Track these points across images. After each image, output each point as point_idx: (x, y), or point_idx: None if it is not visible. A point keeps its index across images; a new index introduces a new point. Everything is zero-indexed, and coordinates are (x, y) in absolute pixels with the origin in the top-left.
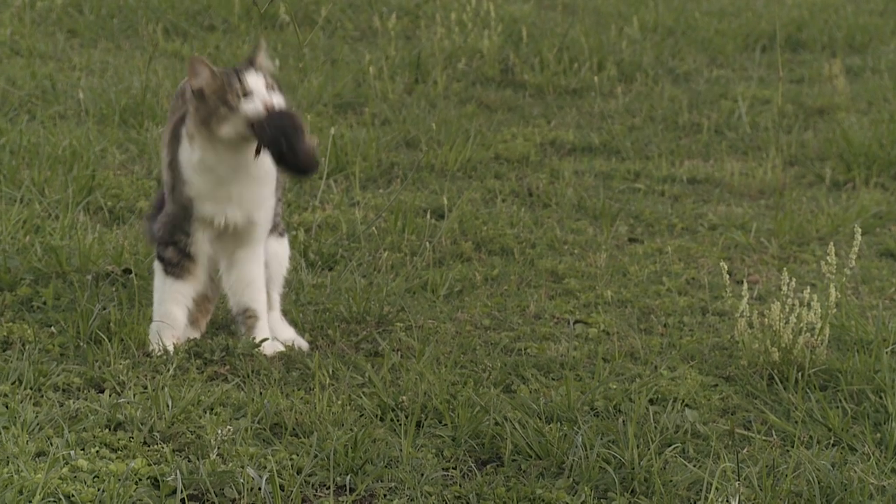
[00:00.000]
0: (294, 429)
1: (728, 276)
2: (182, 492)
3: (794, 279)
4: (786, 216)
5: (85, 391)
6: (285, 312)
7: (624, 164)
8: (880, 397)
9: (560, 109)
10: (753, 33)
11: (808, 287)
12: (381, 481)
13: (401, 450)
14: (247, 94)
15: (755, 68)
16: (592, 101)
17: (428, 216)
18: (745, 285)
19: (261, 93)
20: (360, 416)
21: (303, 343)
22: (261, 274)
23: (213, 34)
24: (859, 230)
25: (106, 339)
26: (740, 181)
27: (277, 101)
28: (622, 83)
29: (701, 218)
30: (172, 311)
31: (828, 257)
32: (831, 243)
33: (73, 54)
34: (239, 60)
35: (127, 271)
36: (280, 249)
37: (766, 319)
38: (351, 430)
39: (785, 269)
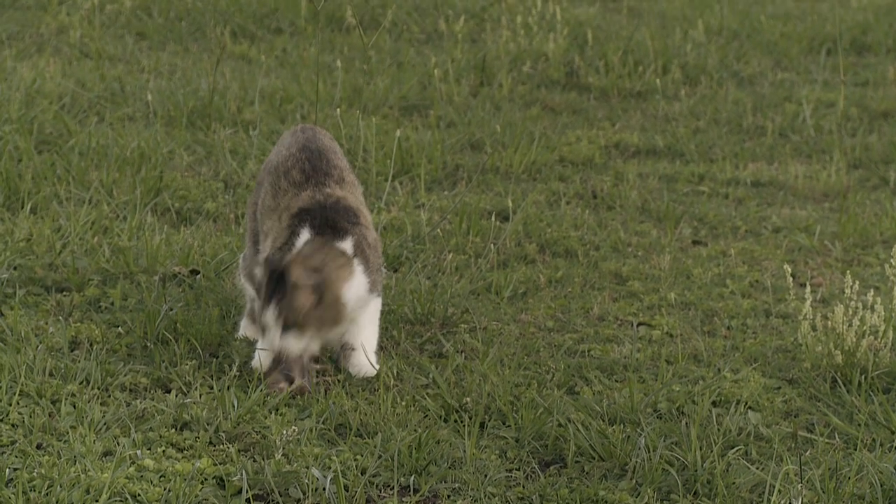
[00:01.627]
0: (358, 429)
1: (792, 279)
2: (247, 492)
3: (857, 282)
4: (850, 219)
5: (151, 391)
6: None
7: (688, 166)
8: None
9: (624, 112)
10: (818, 37)
11: (872, 290)
12: (445, 482)
13: (464, 451)
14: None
15: (820, 71)
16: (657, 104)
17: (493, 218)
18: (809, 288)
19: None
20: (424, 416)
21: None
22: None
23: (280, 37)
24: None
25: (172, 340)
26: (804, 184)
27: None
28: (686, 86)
29: (765, 221)
30: None
31: (892, 260)
32: (895, 246)
33: (141, 57)
34: (305, 61)
35: (194, 272)
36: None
37: (830, 322)
38: (415, 430)
39: (848, 272)
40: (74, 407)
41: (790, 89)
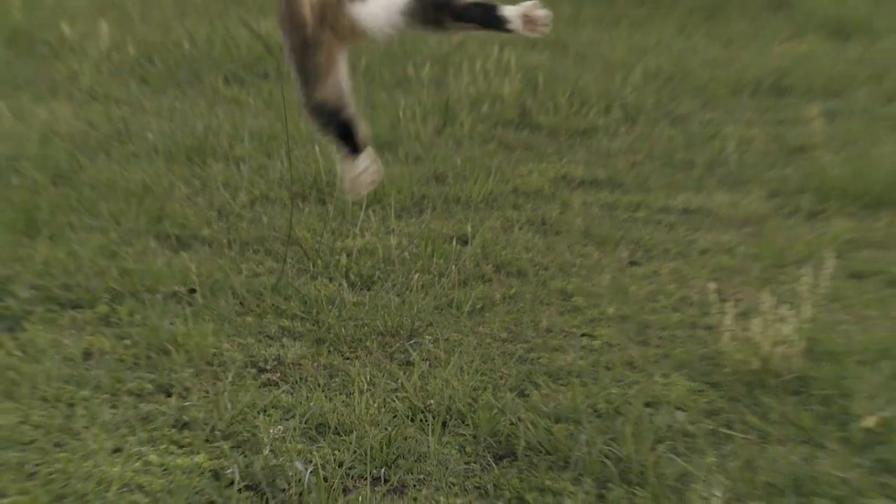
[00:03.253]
0: (336, 428)
1: (715, 295)
2: (239, 483)
3: (773, 298)
4: (767, 242)
5: (155, 396)
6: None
7: (626, 196)
8: (846, 401)
9: (571, 148)
10: (742, 80)
11: (786, 305)
12: (412, 473)
13: (428, 446)
14: None
15: (743, 111)
16: (600, 141)
17: (454, 242)
18: (730, 303)
19: None
20: (394, 417)
21: None
22: None
23: (267, 82)
24: (832, 254)
25: (173, 350)
26: (727, 211)
27: None
28: (626, 124)
29: (693, 244)
30: None
31: (803, 278)
32: (807, 266)
33: (144, 100)
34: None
35: (192, 291)
36: None
37: (748, 333)
38: (385, 429)
39: (766, 288)
40: (87, 410)
41: (717, 127)
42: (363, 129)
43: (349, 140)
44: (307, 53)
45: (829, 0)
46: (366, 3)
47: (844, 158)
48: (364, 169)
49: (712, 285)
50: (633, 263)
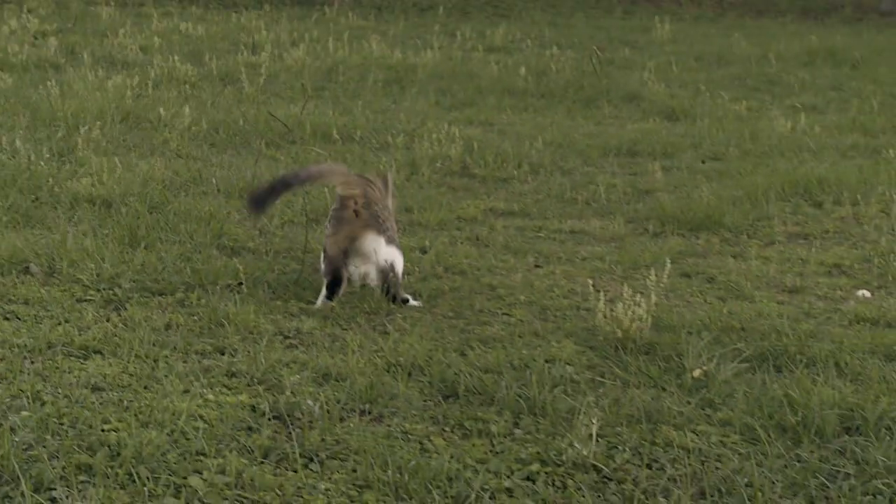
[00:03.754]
0: (335, 377)
1: (592, 287)
2: (268, 414)
3: (630, 289)
4: (626, 252)
5: (213, 354)
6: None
7: (532, 221)
8: (679, 358)
9: (496, 190)
10: (608, 146)
11: (639, 294)
12: (387, 408)
13: (398, 389)
14: None
15: (609, 166)
16: (514, 186)
17: (418, 252)
18: (602, 293)
19: None
20: (375, 369)
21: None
22: None
23: (294, 146)
24: (668, 260)
25: (226, 324)
26: (600, 232)
27: None
28: (531, 175)
29: (577, 253)
30: None
31: (650, 277)
32: (652, 269)
33: (212, 157)
34: (310, 159)
35: (240, 284)
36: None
37: (614, 313)
38: (370, 378)
39: (625, 283)
40: (167, 364)
41: (592, 177)
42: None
43: (331, 289)
44: (343, 209)
45: (664, 94)
46: (379, 246)
47: (676, 198)
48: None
49: (590, 281)
50: (537, 266)
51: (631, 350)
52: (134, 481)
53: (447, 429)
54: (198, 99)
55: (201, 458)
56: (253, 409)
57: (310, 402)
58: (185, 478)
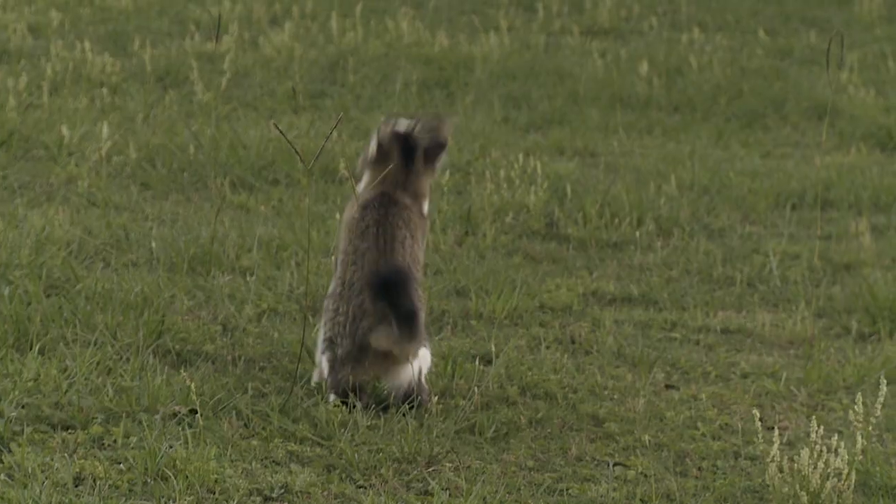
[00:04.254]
0: None
1: (759, 423)
2: None
3: (822, 426)
4: (814, 366)
5: None
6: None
7: (661, 314)
8: None
9: (601, 262)
10: (784, 192)
11: (836, 434)
12: None
13: None
14: None
15: (786, 225)
16: (632, 254)
17: (476, 362)
18: (776, 431)
19: None
20: None
21: None
22: None
23: (277, 187)
24: (884, 380)
25: (172, 476)
26: (771, 332)
27: None
28: (660, 237)
29: (734, 366)
30: None
31: (855, 406)
32: (858, 392)
33: (145, 205)
34: (300, 211)
35: (192, 411)
36: None
37: (796, 465)
38: None
39: (813, 416)
40: None
41: (758, 242)
42: None
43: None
44: None
45: (875, 107)
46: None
47: (894, 277)
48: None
49: (756, 412)
50: (669, 387)
51: None
52: None
53: None
54: (122, 111)
55: None
56: None
57: None
58: None
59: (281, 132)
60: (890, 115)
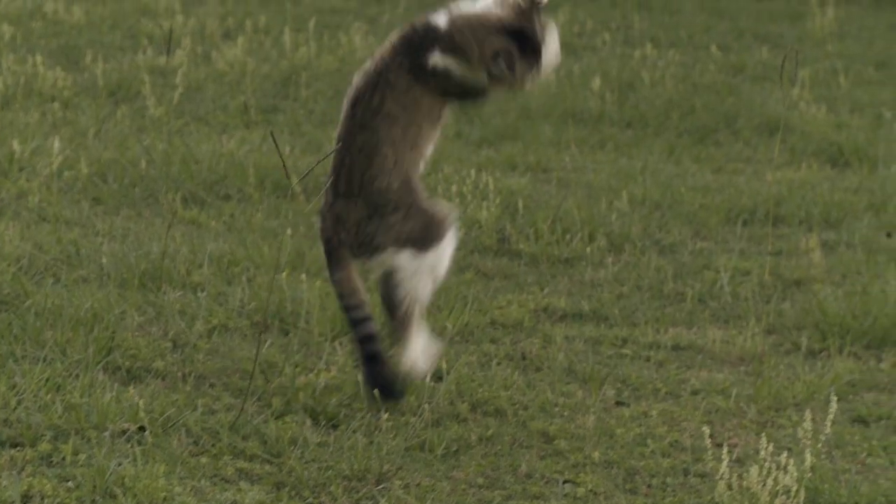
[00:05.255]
0: None
1: (709, 440)
2: None
3: (771, 443)
4: (764, 382)
5: None
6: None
7: (612, 330)
8: None
9: (553, 278)
10: (735, 208)
11: (785, 451)
12: None
13: None
14: None
15: (737, 241)
16: (583, 270)
17: (427, 378)
18: (725, 448)
19: None
20: None
21: None
22: None
23: (229, 203)
24: (834, 397)
25: (121, 494)
26: (721, 348)
27: None
28: (611, 253)
29: (684, 383)
30: None
31: (804, 423)
32: (807, 409)
33: (96, 221)
34: (252, 227)
35: (142, 429)
36: None
37: (745, 482)
38: None
39: (763, 433)
40: None
41: (709, 258)
42: None
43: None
44: None
45: (826, 124)
46: None
47: (845, 293)
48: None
49: (705, 429)
50: (619, 404)
51: None
52: None
53: None
54: (73, 126)
55: None
56: None
57: None
58: None
59: (277, 148)
60: (841, 131)
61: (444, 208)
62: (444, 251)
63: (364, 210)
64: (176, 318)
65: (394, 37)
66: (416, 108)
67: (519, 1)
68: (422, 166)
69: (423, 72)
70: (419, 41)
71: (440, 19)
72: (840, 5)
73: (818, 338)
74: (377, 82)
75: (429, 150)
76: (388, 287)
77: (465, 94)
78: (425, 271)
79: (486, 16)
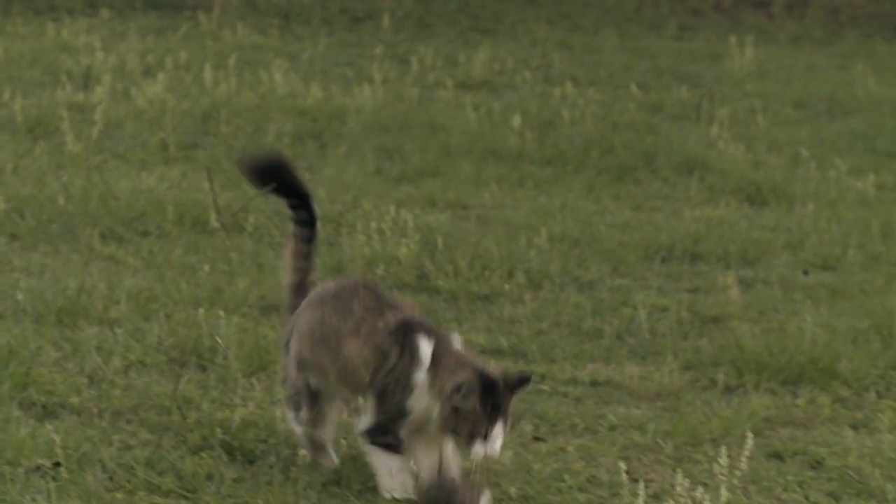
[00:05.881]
0: None
1: (626, 475)
2: None
3: (687, 479)
4: (681, 418)
5: None
6: None
7: (530, 366)
8: None
9: (472, 314)
10: (653, 245)
11: (701, 486)
12: None
13: None
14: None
15: (655, 278)
16: (502, 307)
17: (345, 414)
18: (642, 484)
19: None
20: None
21: None
22: None
23: (147, 239)
24: (750, 433)
25: None
26: (639, 384)
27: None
28: (530, 290)
29: (601, 419)
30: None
31: (720, 459)
32: (723, 445)
33: (13, 257)
34: (170, 263)
35: (57, 464)
36: None
37: None
38: None
39: (679, 468)
40: None
41: (627, 294)
42: None
43: None
44: None
45: (744, 162)
46: None
47: (762, 330)
48: None
49: (622, 464)
50: (537, 439)
51: None
52: None
53: None
54: None
55: None
56: None
57: None
58: None
59: (211, 183)
60: (759, 169)
61: None
62: None
63: None
64: (93, 354)
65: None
66: None
67: None
68: None
69: None
70: None
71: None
72: (759, 45)
73: (735, 374)
74: None
75: None
76: None
77: None
78: None
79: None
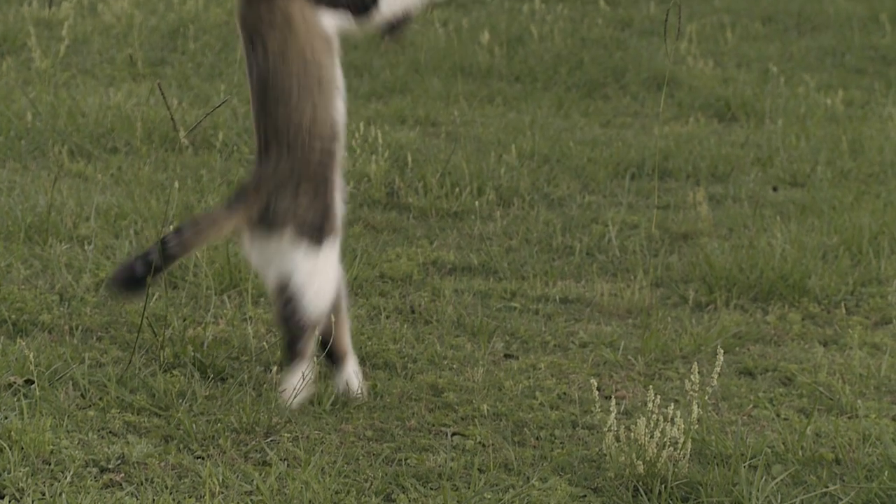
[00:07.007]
0: None
1: (597, 392)
2: None
3: (658, 396)
4: (651, 335)
5: None
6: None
7: (501, 283)
8: None
9: (442, 231)
10: (623, 162)
11: (672, 403)
12: None
13: None
14: None
15: (624, 195)
16: (472, 224)
17: (315, 332)
18: (613, 401)
19: None
20: None
21: None
22: None
23: (116, 156)
24: (720, 350)
25: (7, 447)
26: (609, 301)
27: None
28: (500, 207)
29: (572, 336)
30: None
31: (691, 375)
32: (694, 362)
33: None
34: (139, 180)
35: (28, 381)
36: None
37: (633, 434)
38: None
39: (650, 385)
40: None
41: (597, 211)
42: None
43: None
44: None
45: (713, 78)
46: None
47: (732, 247)
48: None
49: (593, 381)
50: (508, 356)
51: (659, 494)
52: None
53: None
54: None
55: None
56: None
57: None
58: None
59: (165, 101)
60: (728, 85)
61: None
62: None
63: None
64: (63, 272)
65: None
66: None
67: None
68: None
69: None
70: None
71: None
72: None
73: (705, 291)
74: None
75: None
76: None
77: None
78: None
79: None
